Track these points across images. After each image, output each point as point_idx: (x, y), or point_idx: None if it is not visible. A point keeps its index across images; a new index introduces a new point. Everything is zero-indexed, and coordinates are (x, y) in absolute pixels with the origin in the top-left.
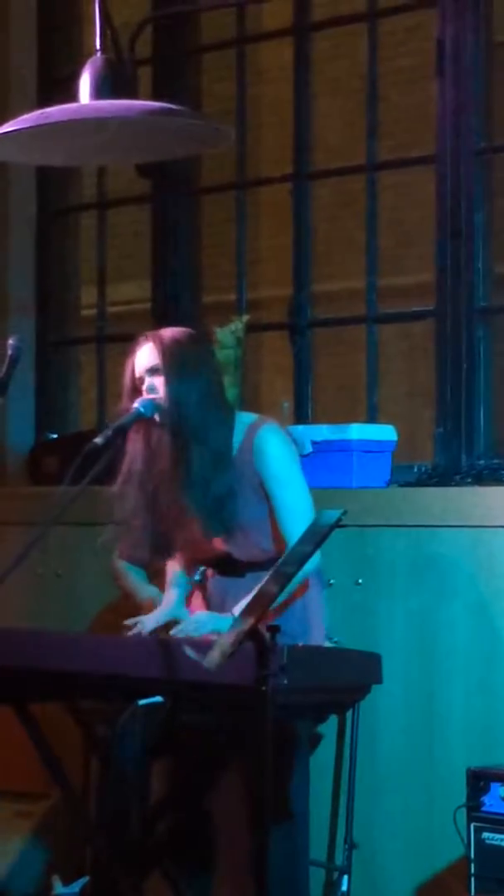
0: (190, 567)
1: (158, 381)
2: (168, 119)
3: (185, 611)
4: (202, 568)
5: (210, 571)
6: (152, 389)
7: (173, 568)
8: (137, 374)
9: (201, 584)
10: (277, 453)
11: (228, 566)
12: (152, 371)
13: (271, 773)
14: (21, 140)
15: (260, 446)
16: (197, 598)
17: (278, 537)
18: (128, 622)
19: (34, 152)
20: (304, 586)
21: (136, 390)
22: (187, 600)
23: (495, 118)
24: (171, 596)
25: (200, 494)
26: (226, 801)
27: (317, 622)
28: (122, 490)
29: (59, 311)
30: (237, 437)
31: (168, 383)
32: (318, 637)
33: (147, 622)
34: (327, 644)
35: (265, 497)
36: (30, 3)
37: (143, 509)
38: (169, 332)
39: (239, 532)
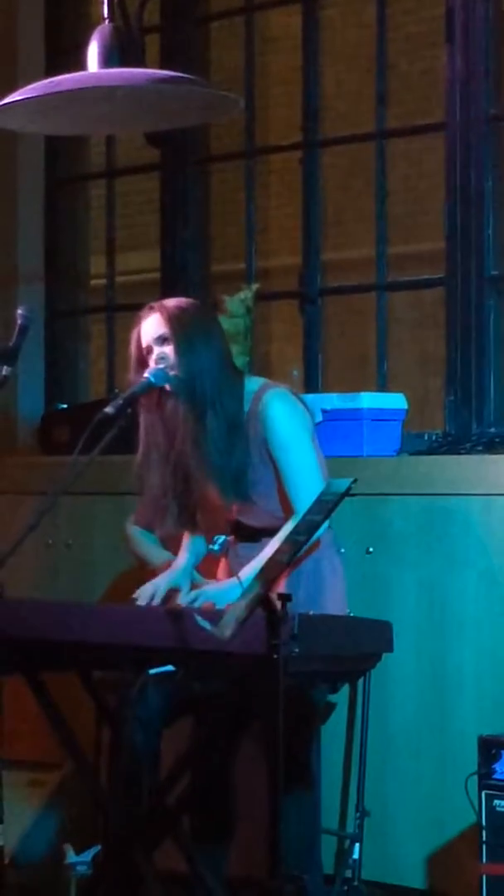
0: (209, 535)
1: (168, 350)
2: (176, 87)
3: (189, 579)
4: (223, 538)
5: (233, 539)
6: (163, 358)
7: (190, 534)
8: (145, 344)
9: (225, 553)
10: (281, 419)
11: (245, 533)
12: (161, 340)
13: (284, 741)
14: (29, 109)
15: (264, 412)
16: (223, 566)
17: (286, 505)
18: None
19: (42, 121)
20: (314, 546)
21: (142, 361)
22: (212, 567)
23: None
24: (180, 561)
25: (219, 463)
26: (238, 768)
27: (333, 591)
28: (143, 461)
29: (69, 280)
30: (245, 405)
31: (180, 353)
32: (335, 606)
33: (145, 590)
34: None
35: (271, 463)
36: None
37: (166, 480)
38: (174, 302)
39: (251, 500)
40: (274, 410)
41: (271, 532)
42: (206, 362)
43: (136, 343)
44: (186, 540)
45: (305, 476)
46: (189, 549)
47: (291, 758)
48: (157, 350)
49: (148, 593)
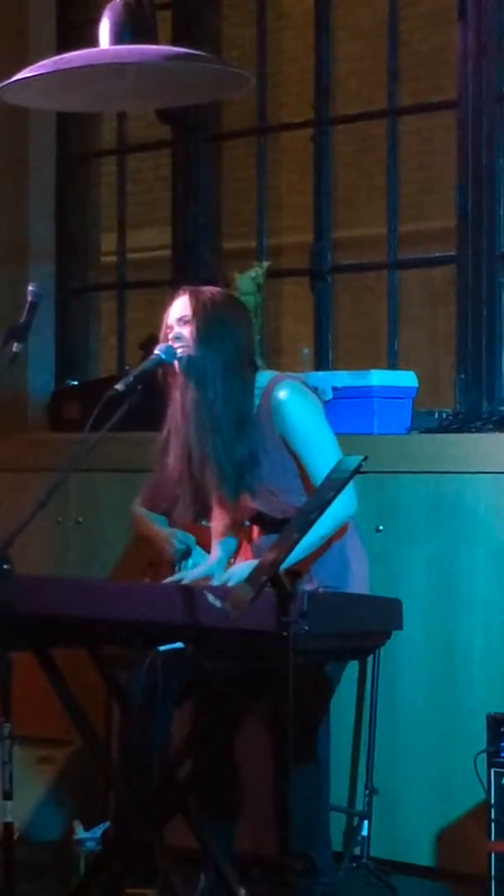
0: (234, 526)
1: (186, 331)
2: (188, 64)
3: (223, 570)
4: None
5: (256, 530)
6: (179, 338)
7: (220, 527)
8: (168, 323)
9: (248, 540)
10: (295, 412)
11: (266, 524)
12: (182, 320)
13: (293, 718)
14: (41, 85)
15: (276, 407)
16: (245, 554)
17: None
18: (169, 580)
19: (54, 98)
20: (341, 531)
21: (164, 340)
22: (234, 557)
23: None
24: (215, 554)
25: (221, 455)
26: (248, 746)
27: (357, 573)
28: (165, 442)
29: (80, 257)
30: (255, 399)
31: (196, 337)
32: (359, 588)
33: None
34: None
35: (291, 456)
36: None
37: (182, 464)
38: (208, 290)
39: (267, 492)
40: (288, 405)
41: None
42: (220, 352)
43: (164, 324)
44: (217, 536)
45: (326, 461)
46: (221, 544)
47: (299, 734)
48: (176, 329)
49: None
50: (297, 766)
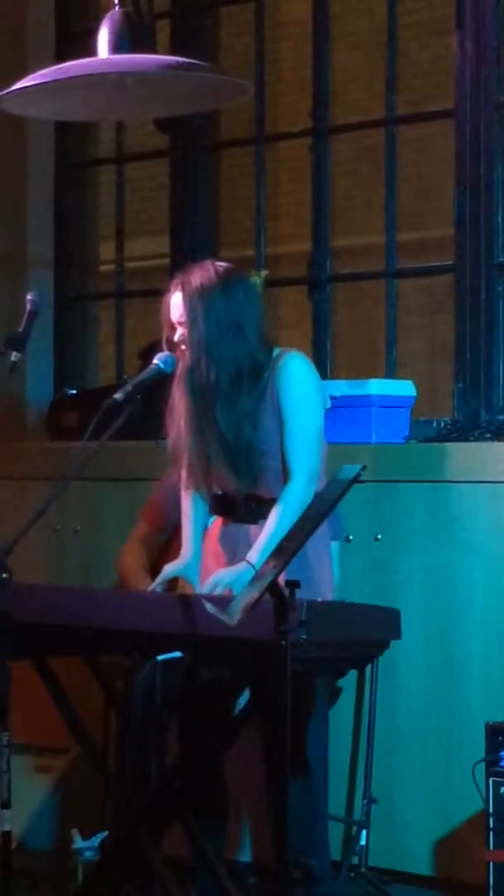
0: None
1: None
2: (186, 73)
3: (197, 568)
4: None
5: (221, 520)
6: (183, 339)
7: (190, 513)
8: (173, 320)
9: (214, 531)
10: (297, 379)
11: (258, 508)
12: (181, 323)
13: (290, 727)
14: (39, 94)
15: (281, 372)
16: (211, 548)
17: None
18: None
19: (52, 107)
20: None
21: (169, 340)
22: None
23: None
24: (187, 552)
25: (225, 450)
26: (244, 755)
27: (323, 575)
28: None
29: (78, 266)
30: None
31: (190, 342)
32: (326, 590)
33: (157, 580)
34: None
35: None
36: None
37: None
38: (198, 279)
39: (265, 471)
40: (291, 371)
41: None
42: (223, 353)
43: (166, 318)
44: (188, 528)
45: (304, 441)
46: (192, 541)
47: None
48: (179, 332)
49: (157, 583)
50: (292, 776)
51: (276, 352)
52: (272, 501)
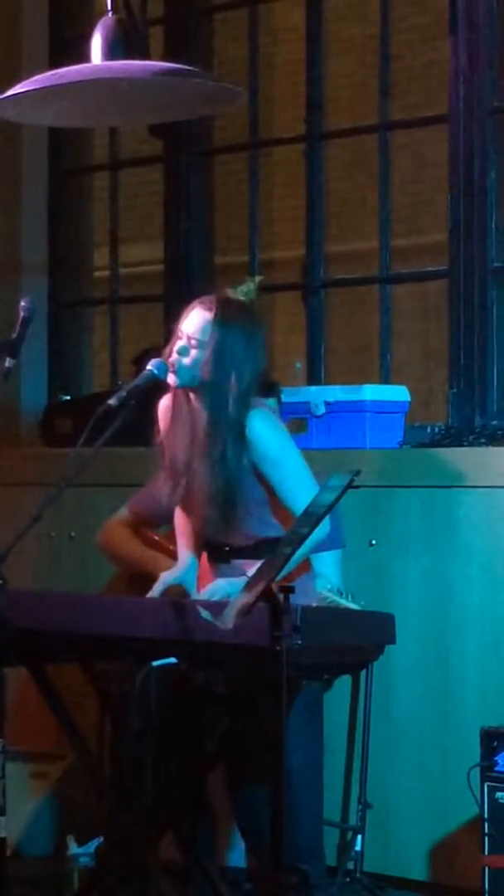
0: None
1: (193, 352)
2: (180, 80)
3: (195, 575)
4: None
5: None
6: (183, 351)
7: (184, 525)
8: (182, 331)
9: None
10: (266, 438)
11: (217, 553)
12: (194, 338)
13: (284, 730)
14: (33, 100)
15: (248, 435)
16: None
17: (282, 517)
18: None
19: (46, 113)
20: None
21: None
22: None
23: None
24: (184, 558)
25: (214, 478)
26: (237, 761)
27: (303, 582)
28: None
29: (72, 272)
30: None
31: (212, 360)
32: (303, 597)
33: (156, 587)
34: (323, 594)
35: (262, 484)
36: None
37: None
38: (231, 311)
39: (237, 520)
40: (258, 432)
41: (242, 551)
42: (234, 379)
43: (177, 327)
44: (183, 540)
45: (302, 486)
46: (188, 549)
47: (267, 748)
48: (184, 342)
49: (158, 591)
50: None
51: None
52: (244, 549)
